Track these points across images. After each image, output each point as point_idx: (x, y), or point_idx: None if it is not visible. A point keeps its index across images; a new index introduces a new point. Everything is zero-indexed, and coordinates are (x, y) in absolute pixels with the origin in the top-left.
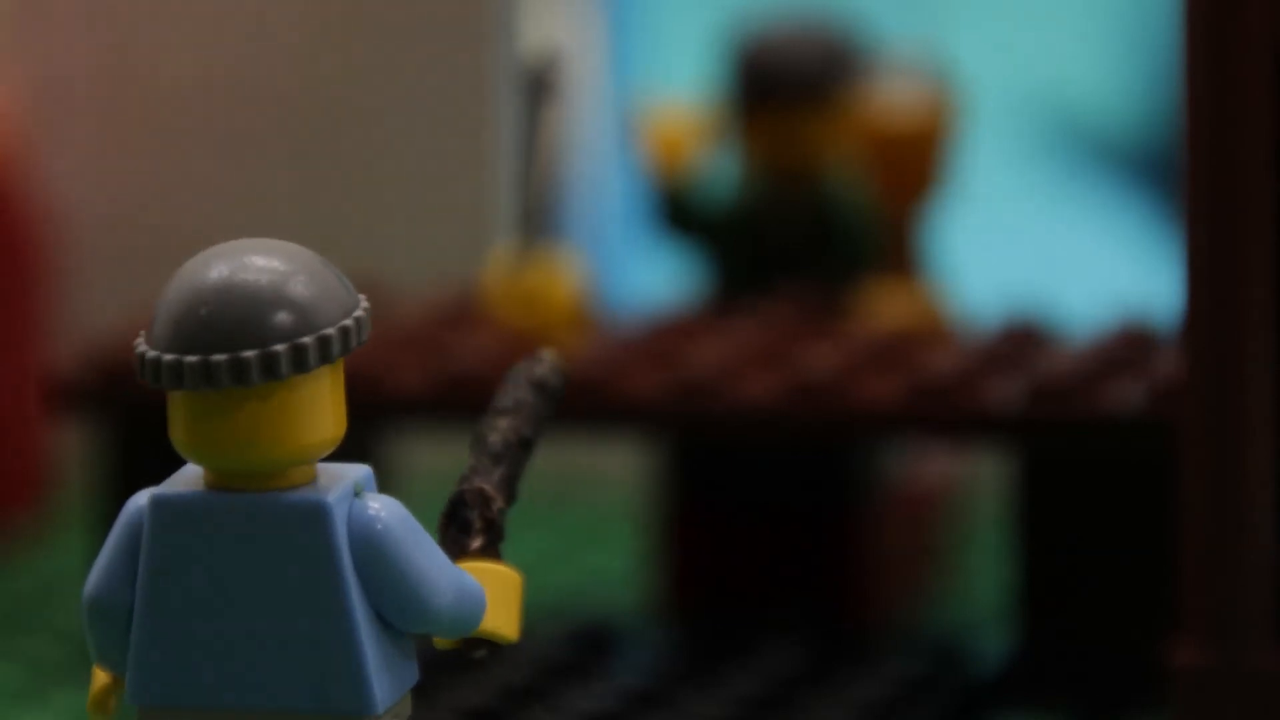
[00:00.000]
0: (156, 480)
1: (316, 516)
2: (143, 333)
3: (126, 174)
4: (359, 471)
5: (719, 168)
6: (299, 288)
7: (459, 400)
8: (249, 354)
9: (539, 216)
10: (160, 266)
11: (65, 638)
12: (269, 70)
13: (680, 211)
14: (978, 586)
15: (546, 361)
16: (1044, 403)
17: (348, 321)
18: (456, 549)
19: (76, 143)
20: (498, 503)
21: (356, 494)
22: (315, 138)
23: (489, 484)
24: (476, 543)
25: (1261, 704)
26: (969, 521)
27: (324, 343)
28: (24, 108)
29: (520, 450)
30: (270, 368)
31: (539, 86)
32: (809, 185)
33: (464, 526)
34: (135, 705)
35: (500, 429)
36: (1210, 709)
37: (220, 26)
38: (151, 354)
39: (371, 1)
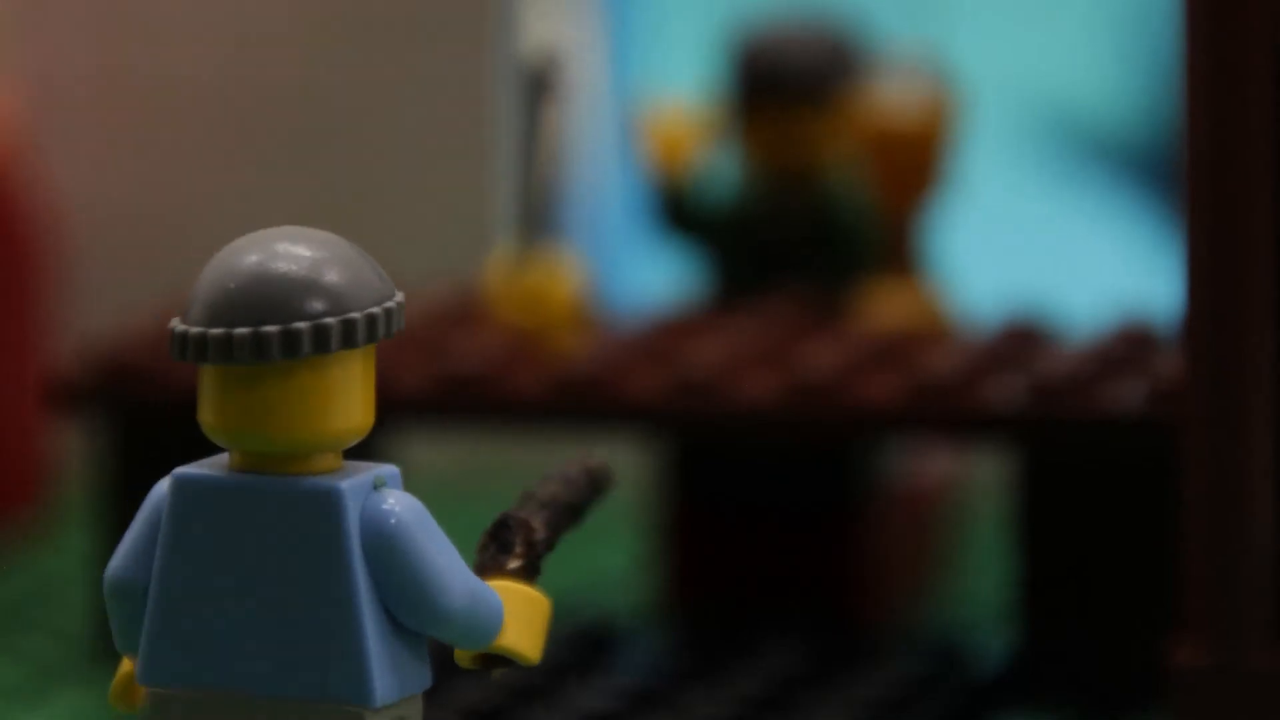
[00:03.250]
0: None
1: (330, 503)
2: (179, 315)
3: (128, 173)
4: (384, 469)
5: (719, 167)
6: (330, 272)
7: (460, 400)
8: (270, 329)
9: (539, 216)
10: (161, 267)
11: (65, 637)
12: (269, 70)
13: (680, 211)
14: (978, 586)
15: (600, 457)
16: (1044, 402)
17: (375, 310)
18: (492, 567)
19: (79, 142)
20: (540, 534)
21: (376, 488)
22: (315, 137)
23: (535, 519)
24: (513, 564)
25: (1262, 704)
26: (969, 521)
27: (348, 326)
28: (26, 107)
29: (566, 512)
30: (291, 345)
31: (539, 85)
32: (809, 185)
33: (504, 547)
34: (142, 686)
35: (550, 489)
36: (1210, 709)
37: (220, 26)
38: (180, 328)
39: (372, 1)
